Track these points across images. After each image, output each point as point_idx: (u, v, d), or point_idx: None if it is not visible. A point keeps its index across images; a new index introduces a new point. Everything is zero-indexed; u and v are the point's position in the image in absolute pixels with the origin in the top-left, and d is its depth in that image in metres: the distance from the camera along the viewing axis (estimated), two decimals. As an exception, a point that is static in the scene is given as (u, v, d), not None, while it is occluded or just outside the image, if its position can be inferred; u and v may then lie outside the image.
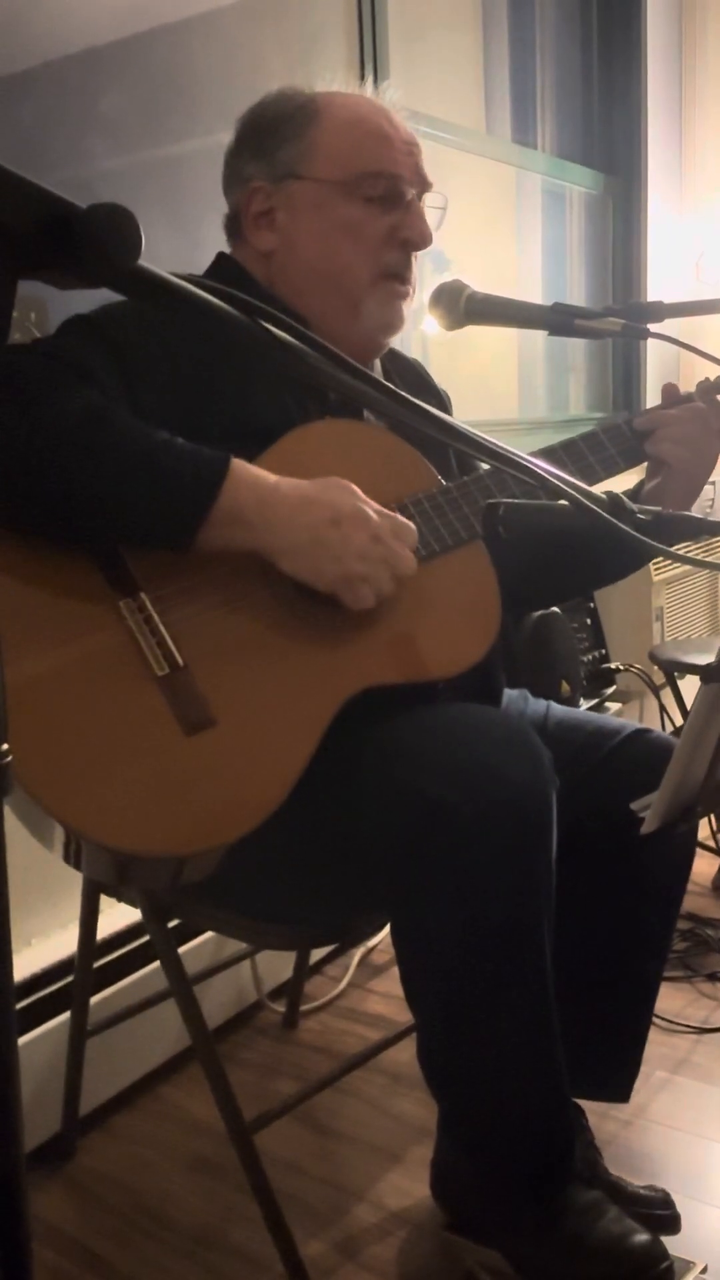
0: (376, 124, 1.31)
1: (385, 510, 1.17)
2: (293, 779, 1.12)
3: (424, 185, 1.33)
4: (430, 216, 1.34)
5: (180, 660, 1.12)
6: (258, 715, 1.13)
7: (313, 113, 1.30)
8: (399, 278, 1.33)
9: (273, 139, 1.31)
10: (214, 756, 1.10)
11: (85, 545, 1.13)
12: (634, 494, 1.39)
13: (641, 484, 1.40)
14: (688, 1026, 1.92)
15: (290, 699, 1.15)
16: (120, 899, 1.51)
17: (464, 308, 1.34)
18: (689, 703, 1.26)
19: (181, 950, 1.43)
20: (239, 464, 1.12)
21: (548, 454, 1.33)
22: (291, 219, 1.31)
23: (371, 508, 1.16)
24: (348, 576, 1.13)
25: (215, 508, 1.10)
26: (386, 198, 1.30)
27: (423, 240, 1.32)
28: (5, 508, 1.10)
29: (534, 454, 1.31)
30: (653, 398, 2.62)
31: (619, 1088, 1.48)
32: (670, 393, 1.38)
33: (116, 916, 1.76)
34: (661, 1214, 1.39)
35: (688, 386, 1.40)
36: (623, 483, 1.38)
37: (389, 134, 1.31)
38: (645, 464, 1.40)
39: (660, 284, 3.44)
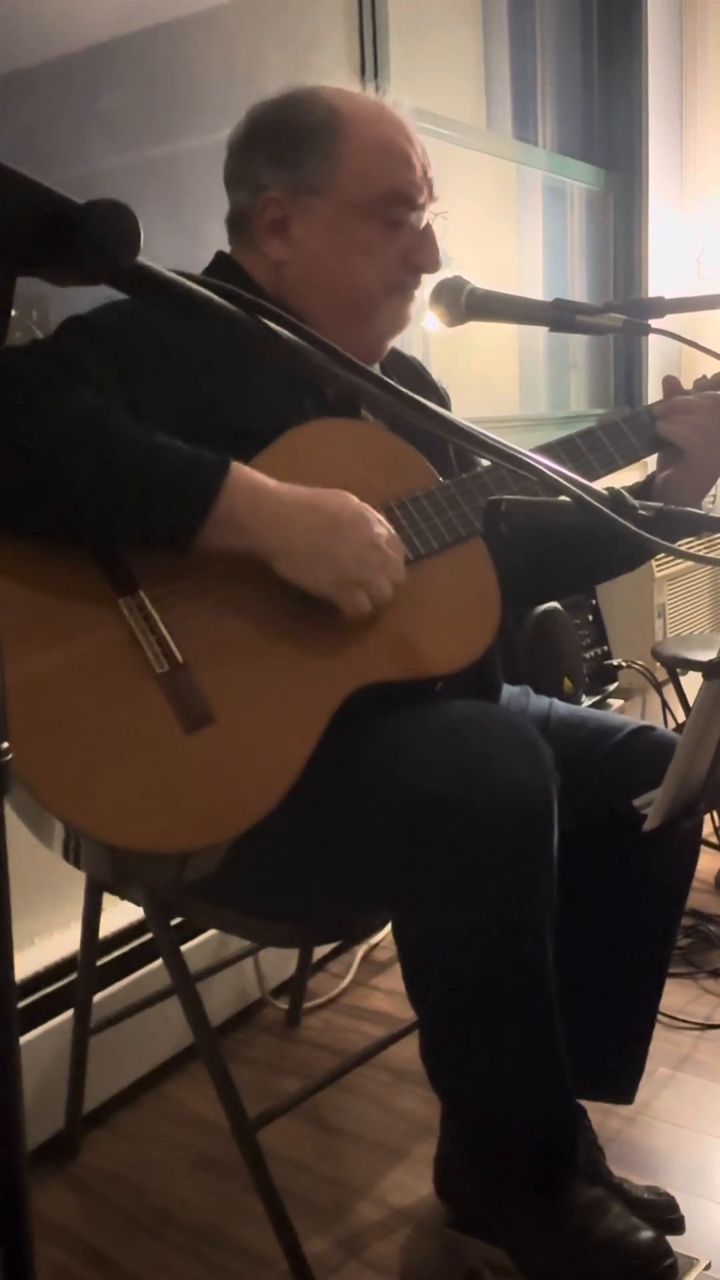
0: (400, 146, 1.30)
1: (382, 520, 1.17)
2: (293, 776, 1.12)
3: (433, 199, 1.33)
4: (434, 225, 1.34)
5: (180, 658, 1.12)
6: (258, 712, 1.13)
7: (337, 129, 1.28)
8: (408, 294, 1.34)
9: (294, 151, 1.29)
10: (214, 753, 1.10)
11: (84, 545, 1.13)
12: (645, 486, 1.39)
13: (653, 476, 1.40)
14: (691, 1023, 1.92)
15: (290, 696, 1.15)
16: (123, 897, 1.51)
17: (465, 304, 1.34)
18: (691, 699, 1.26)
19: (184, 948, 1.44)
20: (238, 468, 1.12)
21: (559, 446, 1.33)
22: (308, 233, 1.30)
23: (372, 514, 1.16)
24: (344, 582, 1.13)
25: (213, 511, 1.10)
26: (402, 221, 1.30)
27: (433, 266, 1.33)
28: (3, 509, 1.10)
29: (539, 449, 1.31)
30: (654, 394, 2.61)
31: (624, 1089, 1.47)
32: (672, 385, 1.38)
33: (119, 915, 1.76)
34: (665, 1219, 1.38)
35: (688, 382, 1.39)
36: (630, 478, 1.38)
37: (409, 155, 1.30)
38: (655, 457, 1.40)
39: (661, 280, 3.44)
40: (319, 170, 1.29)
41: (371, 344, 1.35)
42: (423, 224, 1.32)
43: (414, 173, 1.30)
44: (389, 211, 1.29)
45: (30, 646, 1.08)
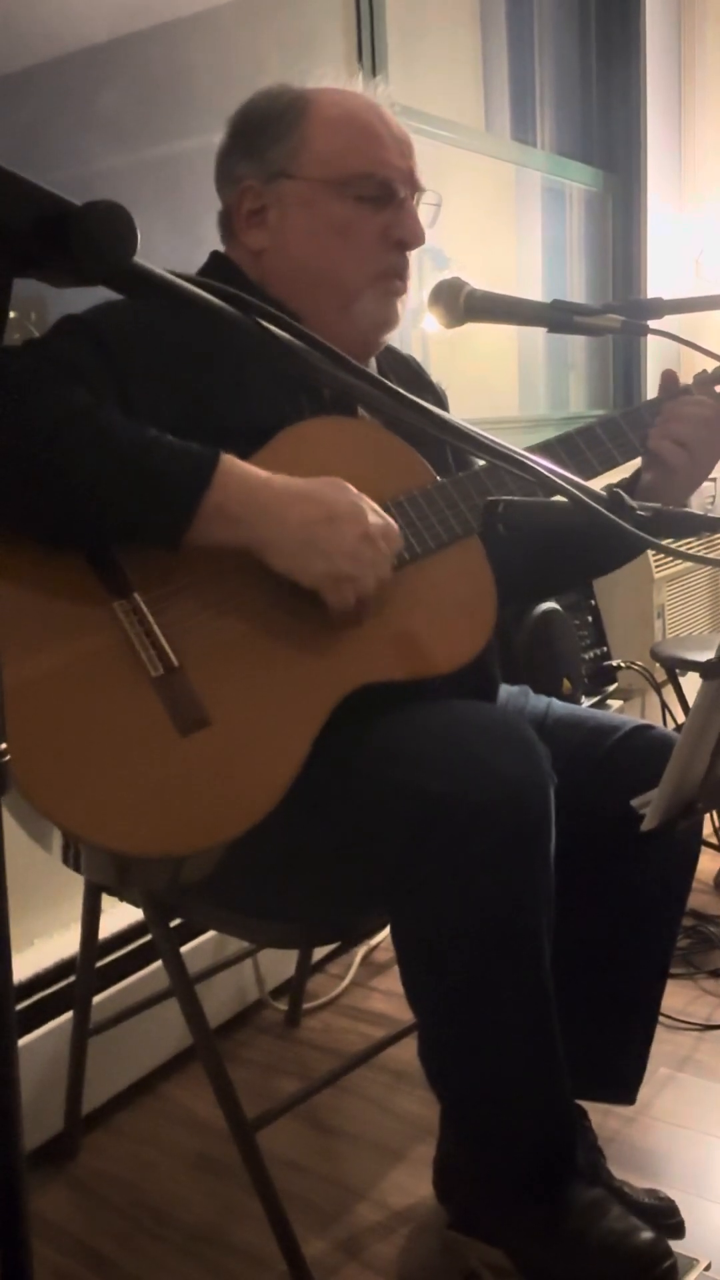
0: (367, 121, 1.30)
1: (380, 510, 1.17)
2: (288, 777, 1.12)
3: (415, 187, 1.32)
4: (425, 213, 1.33)
5: (174, 661, 1.12)
6: (252, 714, 1.13)
7: (302, 110, 1.29)
8: (395, 276, 1.33)
9: (262, 138, 1.30)
10: (209, 756, 1.10)
11: (77, 545, 1.13)
12: (630, 484, 1.39)
13: (639, 474, 1.39)
14: (691, 1024, 1.92)
15: (285, 697, 1.15)
16: (122, 899, 1.51)
17: (464, 305, 1.33)
18: (690, 700, 1.26)
19: (183, 949, 1.44)
20: (229, 459, 1.12)
21: (558, 444, 1.33)
22: (282, 218, 1.31)
23: (368, 505, 1.16)
24: (335, 575, 1.13)
25: (205, 503, 1.10)
26: (378, 197, 1.30)
27: (415, 239, 1.31)
28: None
29: (537, 447, 1.31)
30: (653, 394, 2.61)
31: (625, 1090, 1.47)
32: (670, 380, 1.37)
33: (118, 916, 1.76)
34: (666, 1224, 1.37)
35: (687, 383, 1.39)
36: (620, 474, 1.38)
37: (380, 132, 1.30)
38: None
39: (660, 281, 3.44)
40: (286, 151, 1.29)
41: (358, 335, 1.33)
42: (400, 198, 1.30)
43: (385, 149, 1.29)
44: (359, 188, 1.28)
45: (24, 651, 1.08)
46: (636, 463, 1.38)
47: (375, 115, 1.30)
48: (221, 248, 1.39)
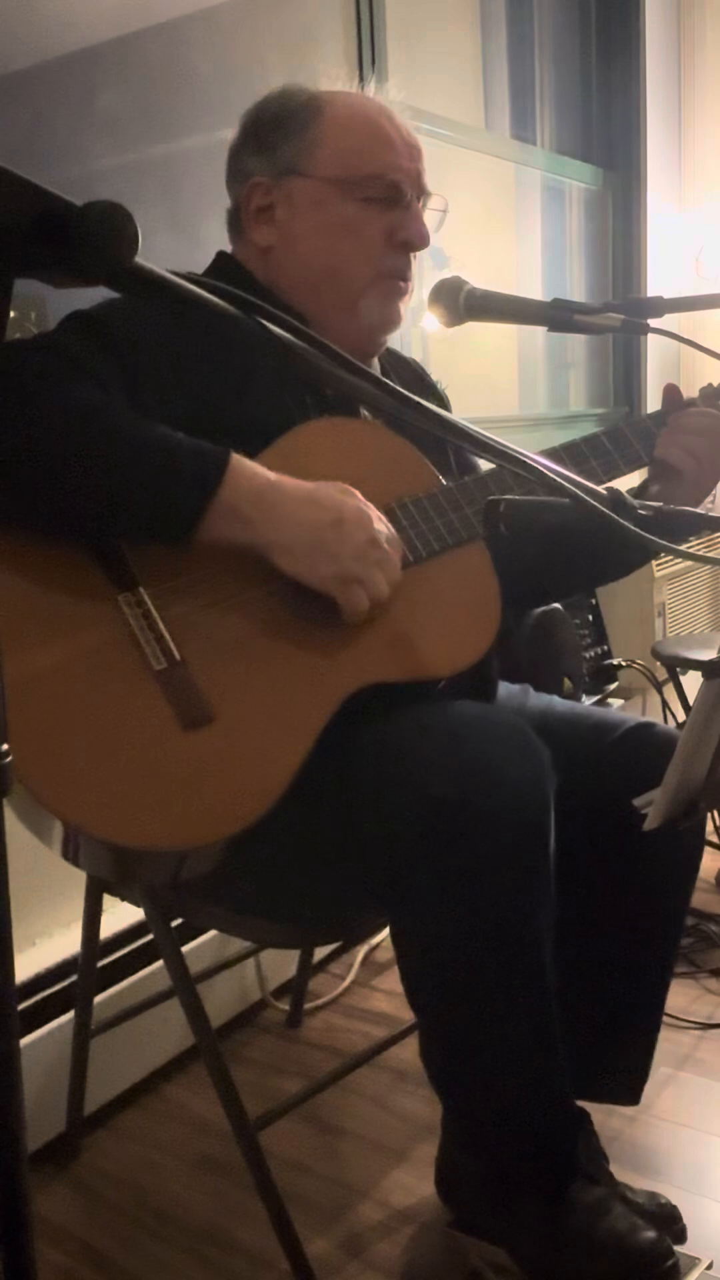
0: (379, 125, 1.31)
1: (380, 516, 1.17)
2: (290, 775, 1.12)
3: (422, 191, 1.33)
4: (431, 219, 1.34)
5: (179, 655, 1.12)
6: (256, 711, 1.13)
7: (315, 110, 1.31)
8: (399, 276, 1.33)
9: (274, 135, 1.32)
10: (211, 751, 1.10)
11: (85, 540, 1.13)
12: (639, 494, 1.39)
13: (646, 483, 1.40)
14: (692, 1022, 1.92)
15: (289, 695, 1.15)
16: (123, 898, 1.51)
17: (463, 304, 1.34)
18: (691, 698, 1.25)
19: (185, 949, 1.43)
20: (239, 459, 1.12)
21: (562, 450, 1.33)
22: (291, 215, 1.32)
23: (373, 512, 1.16)
24: (344, 577, 1.13)
25: (214, 502, 1.10)
26: (386, 199, 1.31)
27: (421, 241, 1.32)
28: (4, 503, 1.10)
29: (542, 453, 1.31)
30: (653, 393, 2.61)
31: (629, 1089, 1.47)
32: (672, 394, 1.37)
33: (120, 916, 1.76)
34: (669, 1231, 1.36)
35: (689, 382, 1.39)
36: (626, 482, 1.38)
37: (391, 136, 1.31)
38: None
39: (660, 279, 3.44)
40: (297, 149, 1.30)
41: (362, 334, 1.34)
42: (406, 200, 1.31)
43: (395, 152, 1.31)
44: (368, 189, 1.29)
45: (29, 643, 1.08)
46: (641, 474, 1.38)
47: (387, 119, 1.32)
48: (226, 247, 1.40)
